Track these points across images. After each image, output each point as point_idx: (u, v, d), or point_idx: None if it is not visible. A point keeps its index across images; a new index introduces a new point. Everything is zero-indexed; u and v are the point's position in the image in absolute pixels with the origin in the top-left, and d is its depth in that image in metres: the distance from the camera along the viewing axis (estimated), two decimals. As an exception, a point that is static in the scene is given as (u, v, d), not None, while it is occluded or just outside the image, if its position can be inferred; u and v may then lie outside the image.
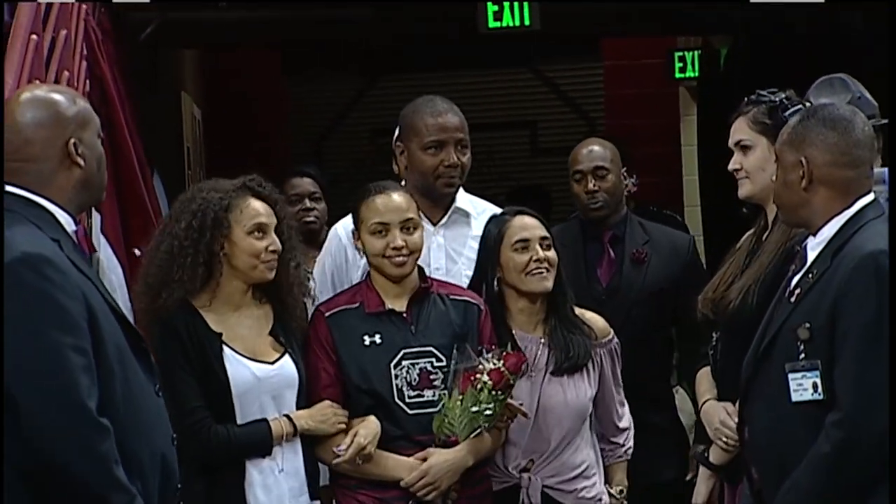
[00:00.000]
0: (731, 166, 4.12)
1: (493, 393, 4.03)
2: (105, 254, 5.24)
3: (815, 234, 3.47)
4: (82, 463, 3.03)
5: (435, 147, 4.42)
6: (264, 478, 4.03)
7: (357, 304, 4.15)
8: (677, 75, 8.62)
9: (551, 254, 4.28)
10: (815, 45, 6.46)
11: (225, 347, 4.03)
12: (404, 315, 4.14)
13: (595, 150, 5.17)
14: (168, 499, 3.27)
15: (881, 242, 3.32)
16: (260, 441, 4.01)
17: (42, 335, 3.03)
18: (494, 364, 4.04)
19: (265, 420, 4.02)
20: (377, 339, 4.10)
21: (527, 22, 7.38)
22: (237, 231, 4.05)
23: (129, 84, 6.07)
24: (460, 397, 4.04)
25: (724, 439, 4.05)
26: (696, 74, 8.52)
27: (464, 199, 4.54)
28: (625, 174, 5.29)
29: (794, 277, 3.49)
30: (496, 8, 7.10)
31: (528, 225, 4.31)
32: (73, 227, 3.28)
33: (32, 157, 3.21)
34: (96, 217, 5.14)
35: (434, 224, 4.48)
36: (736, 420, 3.95)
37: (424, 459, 4.05)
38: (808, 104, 3.97)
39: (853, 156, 3.42)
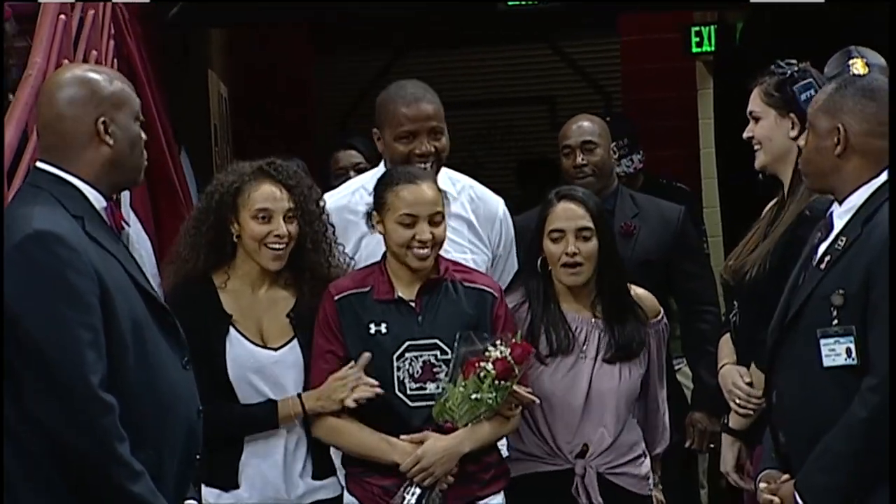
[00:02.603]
0: (745, 134, 4.11)
1: (497, 382, 3.87)
2: (134, 228, 5.22)
3: (840, 203, 3.42)
4: (82, 437, 3.01)
5: (406, 137, 4.26)
6: (258, 459, 3.97)
7: (367, 289, 4.00)
8: (694, 50, 8.52)
9: (587, 246, 4.09)
10: (831, 19, 6.37)
11: (231, 329, 3.99)
12: (413, 304, 3.99)
13: (584, 126, 5.16)
14: (185, 467, 3.25)
15: None
16: (264, 420, 3.95)
17: (49, 310, 3.01)
18: (501, 353, 3.88)
19: (272, 401, 3.96)
20: (383, 328, 3.96)
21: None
22: (244, 214, 3.99)
23: (156, 63, 6.02)
24: (463, 384, 3.89)
25: (737, 401, 4.03)
26: (713, 49, 8.43)
27: (443, 179, 4.32)
28: (614, 148, 5.24)
29: (820, 245, 3.44)
30: (516, -15, 7.03)
31: (567, 214, 4.12)
32: (103, 204, 3.25)
33: (64, 132, 3.20)
34: (125, 193, 5.10)
35: None
36: (747, 381, 3.98)
37: (421, 442, 3.92)
38: (816, 77, 3.94)
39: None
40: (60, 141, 3.21)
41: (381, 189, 4.04)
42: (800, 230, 3.83)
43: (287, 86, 9.90)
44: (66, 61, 4.61)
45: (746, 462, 4.11)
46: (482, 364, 3.87)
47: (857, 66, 3.80)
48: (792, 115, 4.00)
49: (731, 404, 4.09)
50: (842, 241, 3.37)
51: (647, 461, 4.22)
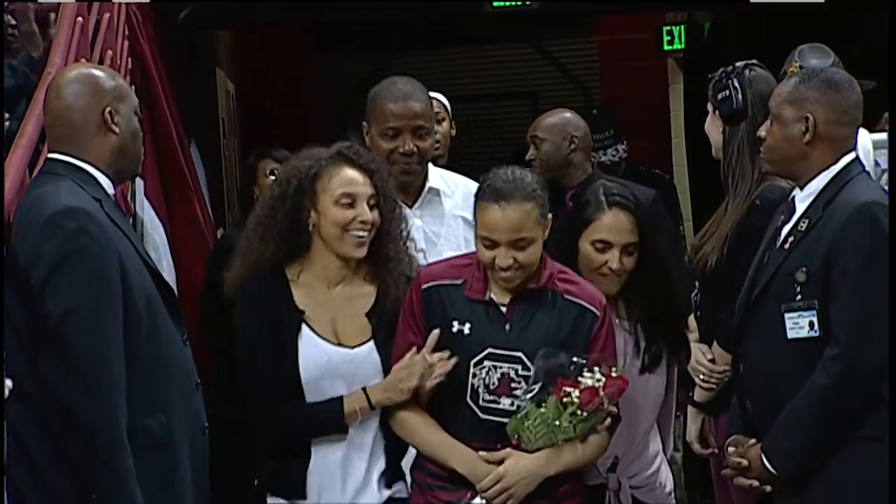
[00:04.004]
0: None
1: (578, 413, 3.32)
2: (148, 216, 5.26)
3: (802, 188, 3.48)
4: (88, 406, 3.03)
5: (391, 134, 3.92)
6: (324, 468, 3.46)
7: (460, 282, 3.43)
8: (665, 48, 8.57)
9: (629, 260, 3.61)
10: (790, 16, 6.40)
11: (304, 327, 3.46)
12: (503, 309, 3.41)
13: (535, 122, 5.30)
14: (196, 438, 3.31)
15: (872, 195, 3.37)
16: (331, 419, 3.43)
17: (74, 283, 3.06)
18: (594, 382, 3.32)
19: (339, 397, 3.44)
20: (466, 328, 3.39)
21: (528, 1, 7.33)
22: (325, 200, 3.48)
23: (167, 62, 6.03)
24: (544, 406, 3.33)
25: (701, 377, 4.07)
26: (683, 47, 8.47)
27: (436, 177, 4.03)
28: (588, 140, 5.29)
29: (783, 227, 3.49)
30: (500, -12, 7.07)
31: (616, 226, 3.61)
32: (113, 191, 3.32)
33: (73, 123, 3.27)
34: (139, 182, 5.14)
35: (410, 206, 3.92)
36: (709, 358, 4.00)
37: (500, 461, 3.36)
38: (749, 77, 3.95)
39: (851, 115, 3.46)
40: (72, 130, 3.27)
41: (475, 200, 3.48)
42: (751, 219, 3.88)
43: (286, 84, 9.91)
44: (83, 61, 4.62)
45: (709, 433, 4.14)
46: (569, 389, 3.32)
47: (791, 70, 3.90)
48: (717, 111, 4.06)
49: (696, 379, 4.12)
50: (804, 222, 3.43)
51: (667, 471, 3.82)
